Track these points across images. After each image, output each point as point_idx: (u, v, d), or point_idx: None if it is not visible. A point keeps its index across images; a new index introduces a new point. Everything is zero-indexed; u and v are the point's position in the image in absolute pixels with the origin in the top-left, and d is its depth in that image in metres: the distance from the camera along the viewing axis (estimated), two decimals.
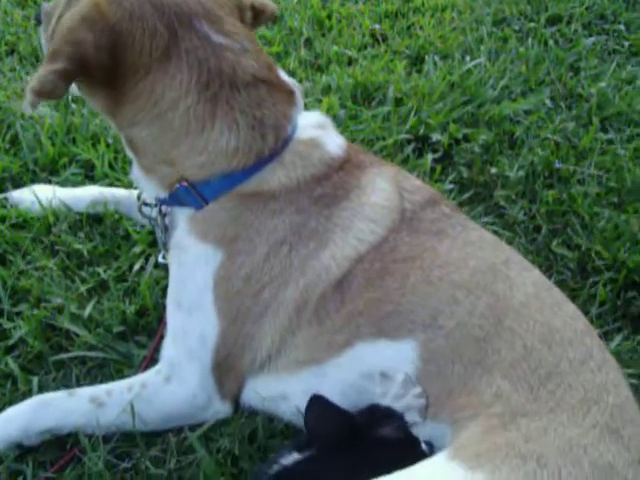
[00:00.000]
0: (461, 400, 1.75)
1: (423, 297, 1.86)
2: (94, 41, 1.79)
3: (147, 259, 2.42)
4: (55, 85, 1.77)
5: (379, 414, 1.79)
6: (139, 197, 2.20)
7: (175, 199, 1.98)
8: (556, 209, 2.73)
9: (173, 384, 1.93)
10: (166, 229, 2.09)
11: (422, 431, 1.78)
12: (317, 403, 1.75)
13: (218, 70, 1.89)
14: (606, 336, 2.27)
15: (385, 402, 1.81)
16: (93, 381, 2.11)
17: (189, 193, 1.94)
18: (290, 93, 2.04)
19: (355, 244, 1.92)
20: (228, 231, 1.91)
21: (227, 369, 1.95)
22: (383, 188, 2.00)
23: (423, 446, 1.74)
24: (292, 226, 1.90)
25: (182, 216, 2.00)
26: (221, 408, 1.98)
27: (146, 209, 2.16)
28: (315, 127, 2.05)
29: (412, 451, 1.72)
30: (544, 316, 1.81)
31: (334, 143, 2.04)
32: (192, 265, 1.95)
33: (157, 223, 2.10)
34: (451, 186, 2.78)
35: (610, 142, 3.08)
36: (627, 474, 1.55)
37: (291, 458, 1.72)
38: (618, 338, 2.30)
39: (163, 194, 2.02)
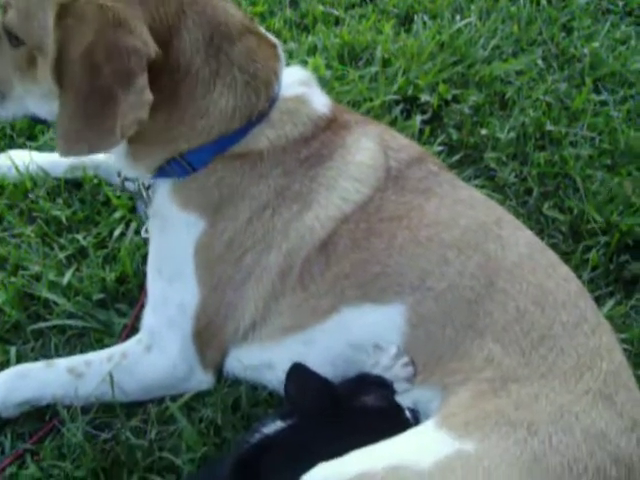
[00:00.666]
0: (452, 365, 1.71)
1: (411, 258, 1.81)
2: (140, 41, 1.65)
3: (128, 225, 2.37)
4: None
5: (366, 383, 1.75)
6: (119, 174, 2.12)
7: (162, 173, 1.92)
8: (548, 171, 2.68)
9: (154, 354, 1.90)
10: (150, 201, 2.02)
11: (410, 397, 1.75)
12: (297, 372, 1.70)
13: (216, 20, 1.80)
14: (598, 301, 2.23)
15: (375, 372, 1.77)
16: (72, 350, 2.07)
17: (178, 165, 1.88)
18: (273, 47, 1.96)
19: (339, 204, 1.87)
20: (212, 197, 1.86)
21: (209, 338, 1.91)
22: (368, 147, 1.95)
23: (407, 414, 1.71)
24: (276, 189, 1.85)
25: (164, 184, 1.94)
26: (203, 378, 1.94)
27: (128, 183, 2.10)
28: (299, 84, 1.98)
29: (396, 420, 1.68)
30: (537, 278, 1.77)
31: (320, 101, 1.98)
32: (173, 233, 1.91)
33: (140, 197, 2.04)
34: (440, 148, 2.72)
35: (603, 103, 3.03)
36: (620, 441, 1.52)
37: (274, 427, 1.67)
38: (610, 303, 2.28)
39: (150, 175, 1.95)
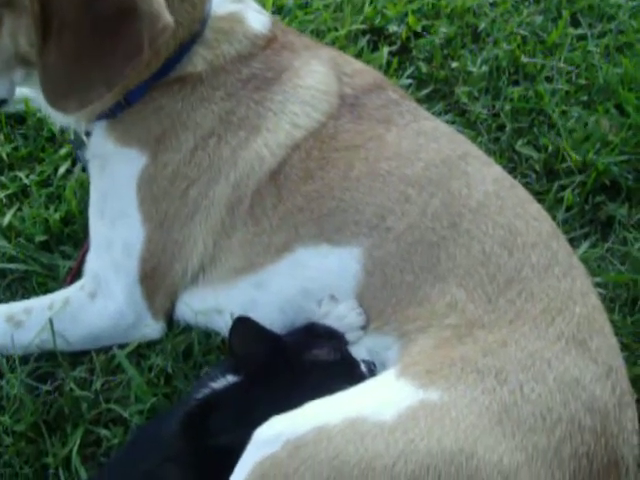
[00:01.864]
0: (410, 311, 1.63)
1: (369, 193, 1.71)
2: None
3: (74, 162, 2.26)
4: None
5: (316, 335, 1.65)
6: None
7: (99, 116, 1.82)
8: (521, 107, 2.58)
9: (98, 300, 1.82)
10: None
11: (364, 345, 1.68)
12: (242, 325, 1.60)
13: None
14: (572, 242, 2.14)
15: (326, 322, 1.68)
16: (14, 295, 2.00)
17: (115, 104, 1.78)
18: None
19: (289, 130, 1.78)
20: (151, 128, 1.77)
21: (157, 282, 1.83)
22: (319, 70, 1.85)
23: (362, 367, 1.62)
24: (220, 115, 1.76)
25: (100, 124, 1.84)
26: (153, 326, 1.86)
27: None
28: (232, 1, 1.87)
29: (350, 374, 1.60)
30: (505, 217, 1.68)
31: (256, 18, 1.88)
32: (113, 171, 1.82)
33: (81, 145, 1.92)
34: (409, 81, 2.62)
35: (581, 38, 2.90)
36: (595, 389, 1.44)
37: (222, 382, 1.57)
38: (585, 245, 2.20)
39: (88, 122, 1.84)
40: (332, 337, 1.64)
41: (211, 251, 1.79)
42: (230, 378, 1.57)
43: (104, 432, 1.72)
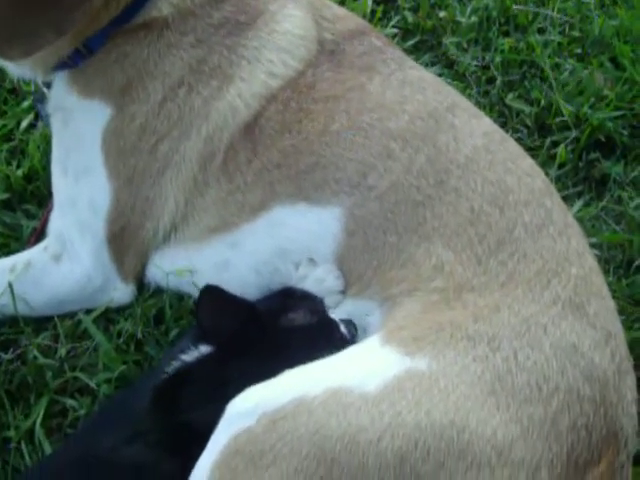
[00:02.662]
0: (393, 274, 1.54)
1: (350, 148, 1.63)
2: None
3: (37, 115, 2.13)
4: None
5: (292, 299, 1.56)
6: None
7: (59, 67, 1.73)
8: (512, 59, 2.50)
9: (63, 263, 1.74)
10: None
11: (344, 310, 1.59)
12: (209, 295, 1.48)
13: None
14: (566, 201, 2.02)
15: (303, 286, 1.59)
16: None
17: (76, 52, 1.68)
18: None
19: (265, 79, 1.68)
20: (116, 78, 1.67)
21: (126, 242, 1.74)
22: (296, 15, 1.75)
23: (342, 329, 1.53)
24: (190, 63, 1.66)
25: (61, 76, 1.74)
26: (122, 289, 1.78)
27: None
28: None
29: (330, 337, 1.50)
30: (496, 173, 1.58)
31: None
32: (76, 124, 1.73)
33: (41, 98, 1.81)
34: (394, 31, 2.54)
35: None
36: (593, 356, 1.36)
37: (193, 354, 1.47)
38: (579, 204, 2.13)
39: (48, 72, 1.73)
40: (309, 300, 1.54)
41: (183, 209, 1.71)
42: (202, 349, 1.47)
43: (70, 402, 1.65)
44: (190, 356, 1.46)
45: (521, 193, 1.57)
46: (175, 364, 1.46)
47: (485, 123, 1.71)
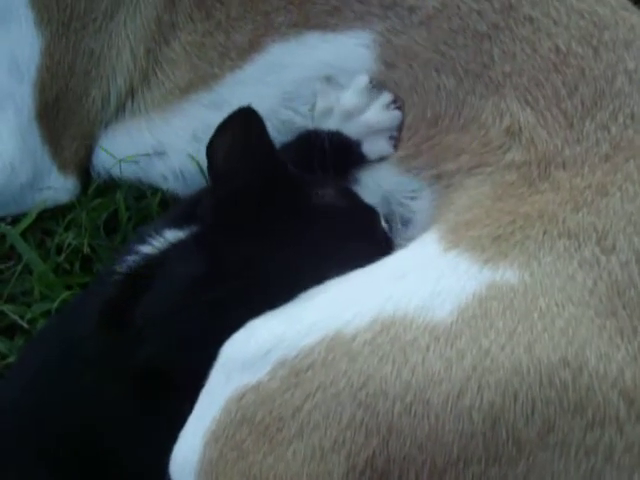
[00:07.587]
0: (451, 139, 1.19)
1: None
2: None
3: None
4: None
5: (316, 148, 1.11)
6: None
7: None
8: None
9: None
10: None
11: (380, 190, 1.21)
12: (244, 118, 1.01)
13: None
14: None
15: (329, 126, 1.17)
16: None
17: None
18: None
19: None
20: None
21: (64, 118, 1.44)
22: None
23: (383, 223, 1.12)
24: None
25: None
26: (59, 185, 1.46)
27: None
28: None
29: (369, 231, 1.09)
30: (584, 2, 1.23)
31: None
32: None
33: None
34: None
35: None
36: None
37: (160, 242, 1.02)
38: None
39: None
40: (345, 148, 1.13)
41: (143, 64, 1.39)
42: (176, 234, 1.03)
43: None
44: (157, 247, 1.02)
45: (619, 30, 1.21)
46: (131, 262, 1.02)
47: None
